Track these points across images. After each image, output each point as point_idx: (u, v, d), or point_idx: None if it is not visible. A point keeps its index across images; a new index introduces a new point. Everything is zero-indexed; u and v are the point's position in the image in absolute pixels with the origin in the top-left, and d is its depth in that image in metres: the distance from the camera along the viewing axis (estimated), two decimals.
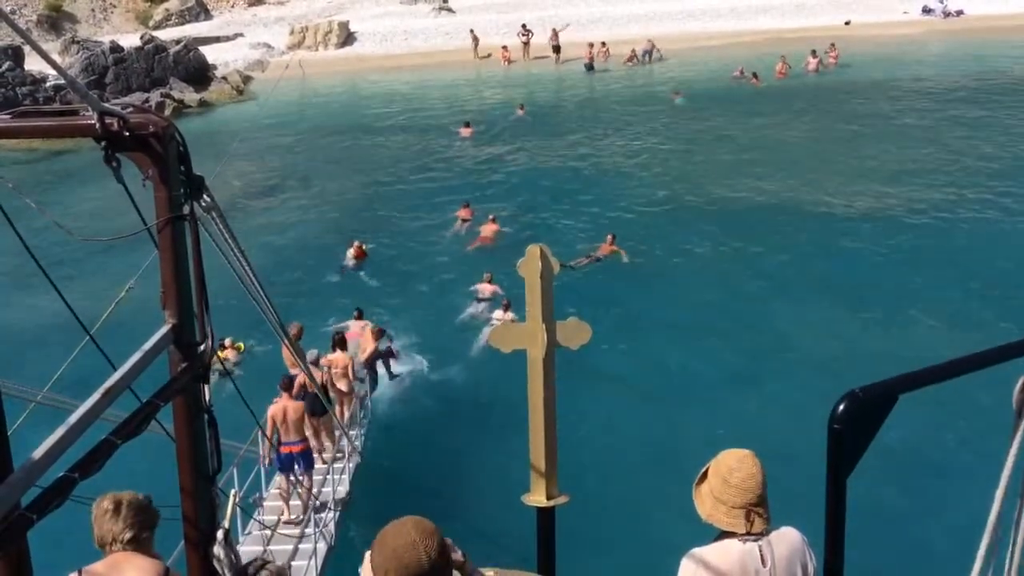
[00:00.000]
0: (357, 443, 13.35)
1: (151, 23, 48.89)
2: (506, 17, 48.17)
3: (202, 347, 3.24)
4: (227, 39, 47.30)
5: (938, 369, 2.53)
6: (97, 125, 2.80)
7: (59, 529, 3.22)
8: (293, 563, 10.67)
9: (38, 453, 2.42)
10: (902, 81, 36.90)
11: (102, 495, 3.74)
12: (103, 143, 2.83)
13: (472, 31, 44.91)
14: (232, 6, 53.24)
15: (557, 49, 42.94)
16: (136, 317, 3.85)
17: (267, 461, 11.61)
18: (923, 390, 2.49)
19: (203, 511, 3.33)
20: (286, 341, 6.74)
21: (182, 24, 49.56)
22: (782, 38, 44.16)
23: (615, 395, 14.88)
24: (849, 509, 2.50)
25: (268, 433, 11.44)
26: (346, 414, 13.55)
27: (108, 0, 50.51)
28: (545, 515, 5.63)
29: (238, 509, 8.53)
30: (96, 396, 2.67)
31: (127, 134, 2.85)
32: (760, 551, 3.42)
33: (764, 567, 3.42)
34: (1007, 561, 2.54)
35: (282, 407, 11.52)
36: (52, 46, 41.50)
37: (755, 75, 37.54)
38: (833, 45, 40.90)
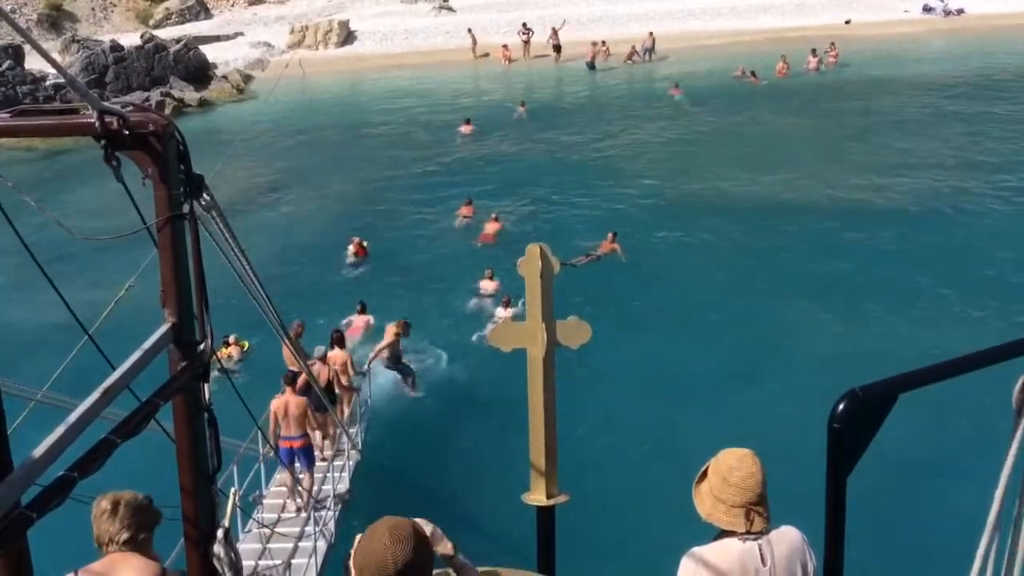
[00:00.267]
0: (357, 440, 13.38)
1: (151, 22, 48.87)
2: (506, 16, 48.13)
3: (202, 346, 3.23)
4: (227, 38, 47.28)
5: (938, 368, 2.54)
6: (97, 124, 2.80)
7: (60, 528, 3.22)
8: (293, 561, 10.68)
9: (38, 452, 2.42)
10: (903, 79, 36.87)
11: (102, 494, 3.73)
12: (103, 142, 2.83)
13: (470, 30, 44.88)
14: (232, 5, 53.21)
15: (558, 48, 42.91)
16: (136, 316, 3.84)
17: (267, 451, 11.67)
18: (923, 389, 2.49)
19: (203, 510, 3.33)
20: (286, 340, 6.75)
21: (182, 23, 49.52)
22: (783, 37, 44.14)
23: (615, 394, 14.89)
24: (849, 508, 2.50)
25: (271, 427, 11.53)
26: (346, 411, 13.58)
27: None
28: (545, 514, 5.63)
29: (238, 508, 8.53)
30: (96, 395, 2.67)
31: (127, 133, 2.84)
32: (760, 550, 3.42)
33: (764, 566, 3.42)
34: (1006, 561, 2.54)
35: (284, 401, 11.61)
36: (52, 45, 41.47)
37: (753, 74, 37.52)
38: (833, 44, 40.87)
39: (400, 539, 2.68)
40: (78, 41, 41.14)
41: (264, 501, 11.89)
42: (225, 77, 41.11)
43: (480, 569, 3.37)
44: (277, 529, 10.94)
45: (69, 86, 2.69)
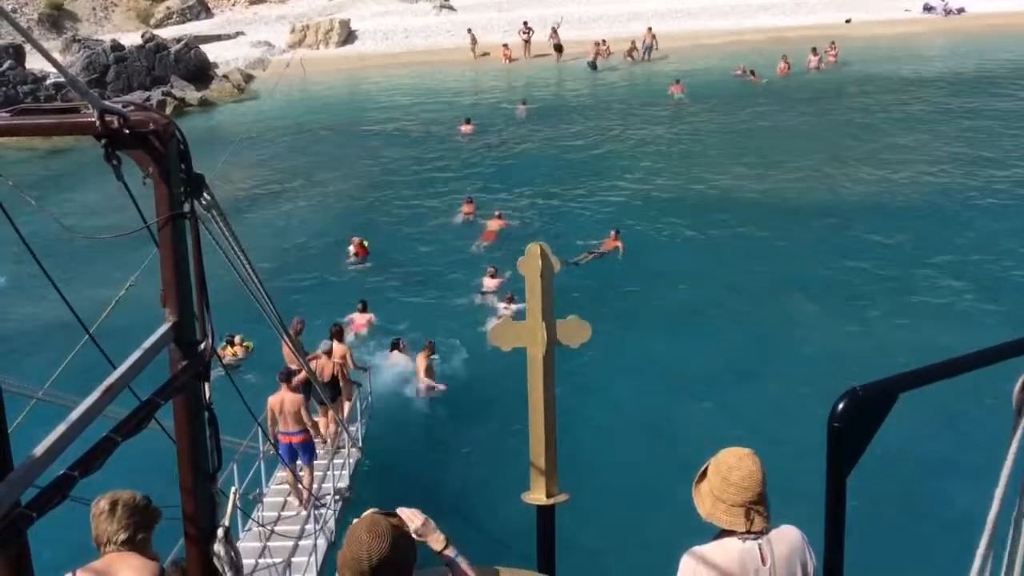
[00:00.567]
0: (358, 437, 13.40)
1: (152, 21, 48.86)
2: (507, 15, 48.11)
3: (202, 345, 3.23)
4: (228, 37, 47.27)
5: (938, 368, 2.53)
6: (97, 123, 2.79)
7: (60, 528, 3.22)
8: (293, 559, 10.69)
9: (38, 450, 2.42)
10: (904, 79, 36.86)
11: (101, 494, 3.73)
12: (103, 141, 2.83)
13: (469, 30, 44.85)
14: (233, 4, 53.20)
15: (559, 48, 42.86)
16: (136, 315, 3.85)
17: (267, 448, 11.73)
18: (923, 389, 2.49)
19: (203, 509, 3.32)
20: (286, 339, 6.77)
21: (183, 22, 49.52)
22: (783, 36, 44.11)
23: (615, 393, 14.89)
24: (849, 508, 2.50)
25: (269, 423, 11.62)
26: (345, 407, 13.61)
27: None
28: (545, 513, 5.62)
29: (238, 506, 8.54)
30: (96, 394, 2.67)
31: (127, 132, 2.84)
32: (760, 549, 3.43)
33: (764, 565, 3.42)
34: (1006, 561, 2.54)
35: (280, 398, 11.74)
36: (53, 44, 41.48)
37: (753, 72, 37.52)
38: (833, 43, 40.86)
39: (377, 535, 2.70)
40: (79, 40, 41.15)
41: (264, 499, 11.92)
42: (226, 76, 41.10)
43: (480, 568, 3.37)
44: (277, 527, 10.96)
45: (70, 85, 2.69)
